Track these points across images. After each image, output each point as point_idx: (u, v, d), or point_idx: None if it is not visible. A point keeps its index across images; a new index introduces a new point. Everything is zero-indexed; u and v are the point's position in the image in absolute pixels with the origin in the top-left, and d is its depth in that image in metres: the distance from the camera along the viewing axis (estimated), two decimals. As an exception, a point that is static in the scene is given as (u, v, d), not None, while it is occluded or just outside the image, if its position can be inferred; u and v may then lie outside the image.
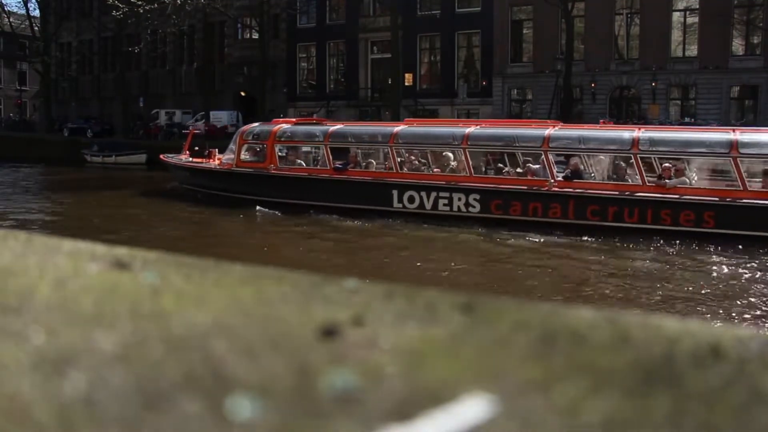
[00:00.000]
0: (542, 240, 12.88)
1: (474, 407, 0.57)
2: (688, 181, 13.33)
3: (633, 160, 13.42)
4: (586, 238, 12.92)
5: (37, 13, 51.99)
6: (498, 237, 13.18)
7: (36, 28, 50.41)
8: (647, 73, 31.05)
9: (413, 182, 14.98)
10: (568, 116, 31.11)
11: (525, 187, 14.01)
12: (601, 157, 14.24)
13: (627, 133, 14.23)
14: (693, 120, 29.27)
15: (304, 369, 0.64)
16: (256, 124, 19.37)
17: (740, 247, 11.88)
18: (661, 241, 12.56)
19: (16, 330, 0.74)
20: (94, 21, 48.47)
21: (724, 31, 29.91)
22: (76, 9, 51.39)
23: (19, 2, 61.98)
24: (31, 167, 33.06)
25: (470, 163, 14.66)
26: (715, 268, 11.20)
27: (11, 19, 51.20)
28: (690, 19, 31.35)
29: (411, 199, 14.86)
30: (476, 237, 13.27)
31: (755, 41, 30.80)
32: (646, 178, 13.25)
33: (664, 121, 29.10)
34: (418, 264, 11.48)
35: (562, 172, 13.99)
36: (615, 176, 13.89)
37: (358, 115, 35.73)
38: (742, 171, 12.74)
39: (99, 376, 0.62)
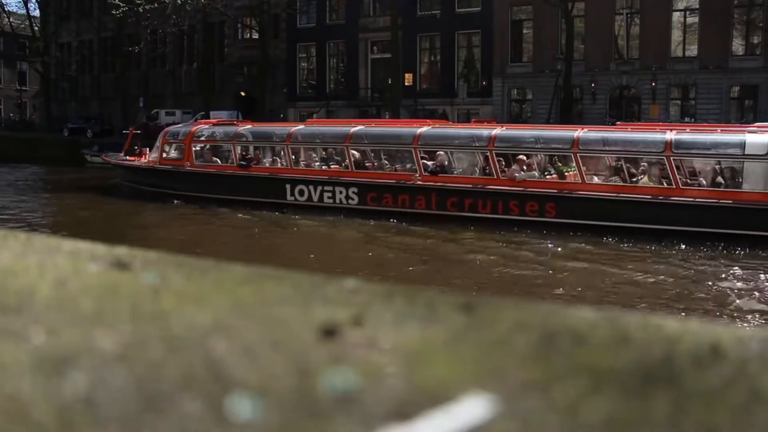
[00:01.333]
0: (409, 227, 14.31)
1: (474, 407, 0.57)
2: (536, 175, 14.61)
3: (490, 156, 14.71)
4: (454, 227, 14.17)
5: (37, 13, 52.06)
6: (372, 226, 14.65)
7: (36, 28, 50.42)
8: (647, 73, 31.05)
9: (303, 177, 16.41)
10: (568, 116, 31.14)
11: (394, 181, 15.42)
12: (461, 153, 15.73)
13: (486, 131, 15.48)
14: (693, 120, 29.26)
15: (304, 369, 0.64)
16: (180, 125, 21.61)
17: (578, 234, 13.19)
18: (515, 229, 13.85)
19: (16, 330, 0.74)
20: (94, 21, 48.48)
21: (724, 31, 29.91)
22: (76, 9, 51.40)
23: (19, 2, 62.07)
24: (31, 167, 33.07)
25: (352, 159, 16.06)
26: (544, 252, 12.40)
27: (11, 19, 51.22)
28: (690, 19, 31.35)
29: (301, 193, 16.34)
30: (352, 225, 14.79)
31: (755, 41, 30.79)
32: (500, 172, 14.60)
33: (665, 122, 29.12)
34: (295, 249, 13.17)
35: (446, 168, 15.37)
36: (473, 171, 15.33)
37: (358, 115, 35.73)
38: (581, 165, 14.00)
39: (99, 376, 0.62)
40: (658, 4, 30.93)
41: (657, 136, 14.05)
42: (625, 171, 14.10)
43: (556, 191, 14.12)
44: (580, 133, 14.51)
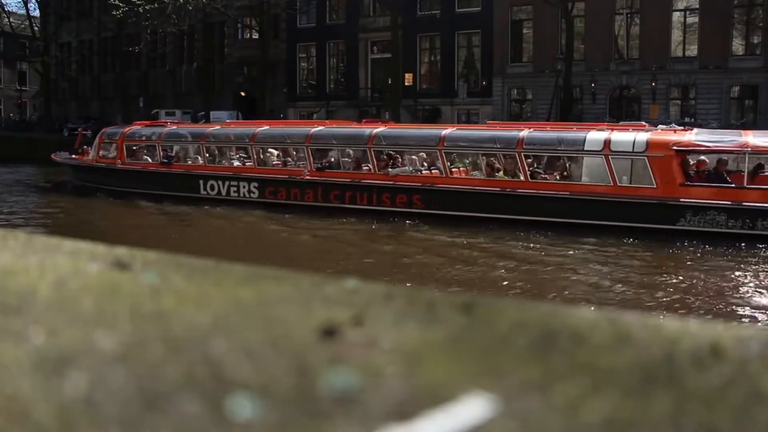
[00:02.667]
0: (300, 218, 15.51)
1: (474, 407, 0.57)
2: (408, 169, 15.99)
3: (368, 153, 16.14)
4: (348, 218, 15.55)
5: (37, 13, 52.04)
6: (264, 217, 15.93)
7: (36, 28, 50.42)
8: (647, 73, 31.04)
9: (213, 173, 17.98)
10: (568, 116, 31.15)
11: (287, 176, 16.90)
12: (347, 151, 17.04)
13: (367, 130, 16.92)
14: (693, 120, 29.27)
15: (304, 369, 0.64)
16: (115, 126, 23.46)
17: (442, 223, 14.31)
18: (394, 220, 15.15)
19: (16, 330, 0.74)
20: (94, 21, 48.48)
21: (724, 30, 29.90)
22: (76, 9, 51.42)
23: (19, 2, 62.05)
24: (31, 167, 33.05)
25: (255, 157, 17.67)
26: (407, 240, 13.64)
27: (11, 19, 51.22)
28: (690, 19, 31.35)
29: (212, 187, 17.84)
30: (249, 215, 16.26)
31: (755, 41, 30.79)
32: (378, 167, 15.98)
33: (665, 122, 29.11)
34: (204, 236, 14.81)
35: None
36: (354, 167, 16.62)
37: (358, 115, 35.74)
38: (445, 161, 15.38)
39: (99, 376, 0.62)
40: (658, 4, 30.92)
41: (511, 134, 15.36)
42: (487, 166, 15.44)
43: (420, 185, 15.39)
44: (446, 131, 16.08)
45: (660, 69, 30.92)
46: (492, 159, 15.39)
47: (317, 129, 17.47)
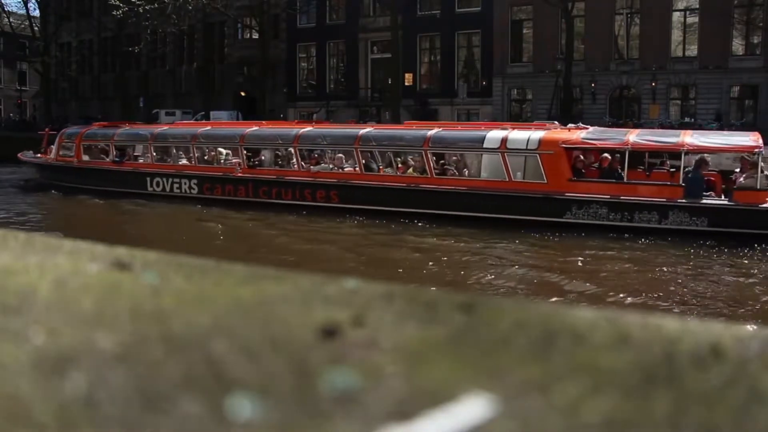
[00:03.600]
0: (231, 212, 16.78)
1: (474, 407, 0.57)
2: (329, 167, 17.09)
3: (294, 152, 17.31)
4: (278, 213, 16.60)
5: (37, 13, 52.00)
6: (205, 211, 17.12)
7: (36, 28, 50.38)
8: (647, 73, 31.04)
9: (158, 171, 19.22)
10: (568, 116, 31.13)
11: (221, 174, 18.05)
12: (276, 150, 18.25)
13: (293, 131, 18.18)
14: (693, 120, 29.27)
15: (304, 369, 0.64)
16: (75, 127, 24.86)
17: (356, 217, 15.51)
18: (304, 213, 16.23)
19: (16, 330, 0.74)
20: (94, 21, 48.48)
21: (724, 30, 29.90)
22: (76, 9, 51.41)
23: (19, 2, 62.01)
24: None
25: (195, 155, 18.80)
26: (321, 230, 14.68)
27: (11, 19, 51.19)
28: (690, 19, 31.34)
29: (158, 184, 19.06)
30: (186, 210, 17.49)
31: (755, 41, 30.79)
32: (302, 165, 17.22)
33: (664, 122, 29.12)
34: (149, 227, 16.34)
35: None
36: (281, 164, 17.81)
37: (358, 115, 35.74)
38: (361, 160, 16.47)
39: (99, 376, 0.62)
40: (658, 4, 30.92)
41: (419, 133, 16.36)
42: (402, 164, 16.54)
43: (337, 181, 16.53)
44: (362, 131, 17.20)
45: (660, 69, 30.92)
46: (404, 157, 16.55)
47: (250, 130, 18.72)
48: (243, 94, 41.97)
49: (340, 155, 17.00)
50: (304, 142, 17.41)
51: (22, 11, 52.06)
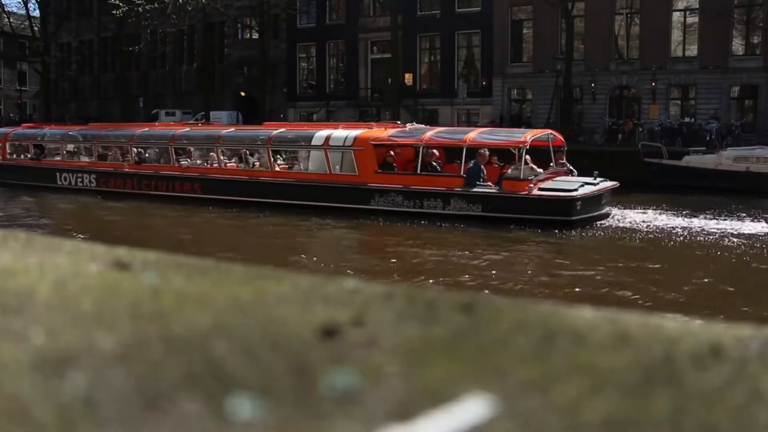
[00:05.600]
0: (115, 202, 19.09)
1: (474, 407, 0.57)
2: (197, 162, 19.53)
3: (169, 149, 19.73)
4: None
5: (37, 13, 51.99)
6: (101, 203, 19.36)
7: (36, 28, 50.37)
8: (647, 73, 31.03)
9: (65, 167, 21.50)
10: (568, 116, 31.14)
11: (112, 169, 20.54)
12: (158, 148, 20.48)
13: (170, 131, 20.70)
14: (693, 120, 29.25)
15: (304, 369, 0.64)
16: (3, 128, 27.53)
17: (218, 206, 17.67)
18: (199, 205, 17.97)
19: (16, 330, 0.74)
20: (94, 21, 48.45)
21: (724, 30, 29.88)
22: (76, 9, 51.37)
23: (19, 2, 61.94)
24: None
25: (97, 153, 21.31)
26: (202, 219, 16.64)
27: (11, 20, 51.18)
28: (690, 19, 31.32)
29: (65, 179, 21.32)
30: (92, 201, 19.69)
31: (755, 41, 30.77)
32: (175, 161, 19.57)
33: (664, 122, 29.11)
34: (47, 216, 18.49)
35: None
36: (160, 160, 20.18)
37: (358, 115, 35.73)
38: (220, 156, 18.85)
39: (99, 376, 0.62)
40: (658, 4, 30.90)
41: (263, 132, 18.82)
42: (252, 159, 18.80)
43: (198, 175, 18.86)
44: (222, 132, 19.80)
45: (660, 69, 30.90)
46: (254, 153, 18.90)
47: (140, 131, 21.35)
48: (243, 94, 41.95)
49: (204, 153, 19.59)
50: (178, 141, 19.88)
51: (22, 11, 52.11)
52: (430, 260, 12.20)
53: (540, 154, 16.50)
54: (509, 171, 15.46)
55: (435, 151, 16.37)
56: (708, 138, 26.28)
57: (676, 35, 31.63)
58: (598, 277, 10.68)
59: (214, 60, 44.03)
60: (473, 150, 15.88)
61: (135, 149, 20.51)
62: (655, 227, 14.89)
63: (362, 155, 16.39)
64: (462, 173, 15.55)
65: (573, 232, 14.21)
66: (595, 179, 15.49)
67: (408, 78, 36.23)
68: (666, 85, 31.10)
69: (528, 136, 15.82)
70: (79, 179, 21.08)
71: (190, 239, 14.39)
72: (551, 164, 16.40)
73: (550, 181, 15.22)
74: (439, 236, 14.06)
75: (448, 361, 0.67)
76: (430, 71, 37.37)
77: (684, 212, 16.73)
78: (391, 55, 32.94)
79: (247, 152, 18.97)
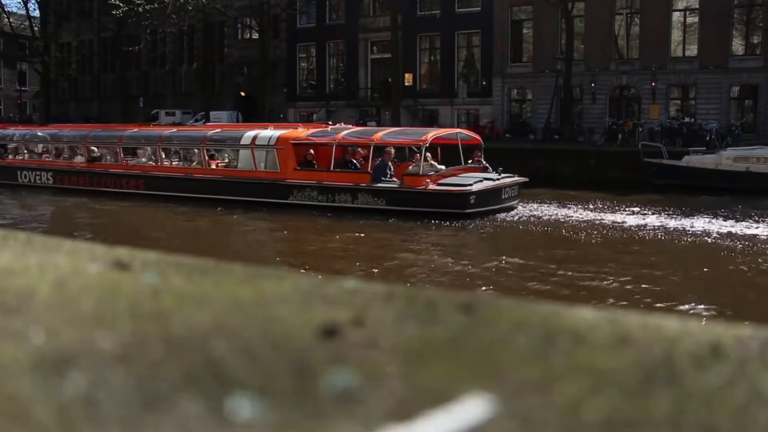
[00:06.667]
0: (71, 197, 20.38)
1: (474, 407, 0.57)
2: (143, 161, 20.94)
3: (118, 150, 21.06)
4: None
5: (37, 13, 52.02)
6: (59, 197, 20.65)
7: (36, 29, 50.38)
8: (647, 73, 31.03)
9: (24, 165, 23.23)
10: (568, 116, 31.14)
11: (67, 167, 22.01)
12: (109, 147, 21.72)
13: (119, 132, 22.22)
14: (693, 119, 29.26)
15: (304, 369, 0.64)
16: None
17: (160, 201, 18.71)
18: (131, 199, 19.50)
19: (16, 330, 0.74)
20: (94, 21, 48.46)
21: (724, 30, 29.89)
22: (75, 9, 51.37)
23: (19, 3, 61.96)
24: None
25: (54, 152, 22.95)
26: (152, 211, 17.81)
27: (11, 20, 51.18)
28: (690, 19, 31.32)
29: (25, 176, 22.88)
30: (49, 197, 21.08)
31: (755, 41, 30.77)
32: (123, 160, 21.11)
33: (664, 122, 29.10)
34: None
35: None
36: (111, 160, 21.48)
37: (358, 115, 35.74)
38: (161, 155, 20.20)
39: (99, 376, 0.62)
40: (658, 4, 30.91)
41: (198, 133, 20.66)
42: (190, 158, 20.16)
43: (140, 172, 20.26)
44: (164, 133, 21.26)
45: (660, 69, 30.91)
46: (192, 152, 20.22)
47: (94, 132, 22.97)
48: (243, 94, 41.96)
49: (149, 152, 20.90)
50: (126, 142, 21.26)
51: (22, 11, 52.12)
52: (328, 248, 13.35)
53: (450, 152, 17.96)
54: (410, 168, 16.83)
55: (360, 149, 17.37)
56: (708, 138, 26.29)
57: (676, 35, 31.63)
58: (476, 263, 11.88)
59: (214, 60, 44.03)
60: (381, 148, 17.07)
61: (88, 149, 21.98)
62: (555, 219, 15.93)
63: (283, 154, 17.71)
64: (369, 170, 16.67)
65: (469, 224, 15.26)
66: (499, 175, 16.68)
67: (408, 78, 36.23)
68: (666, 85, 31.11)
69: (429, 135, 16.93)
70: (38, 177, 22.59)
71: (116, 230, 15.80)
72: (467, 162, 17.78)
73: (452, 177, 16.35)
74: (346, 227, 15.09)
75: (448, 361, 0.67)
76: (430, 71, 37.37)
77: (656, 209, 17.20)
78: (391, 55, 32.95)
79: (186, 151, 20.49)
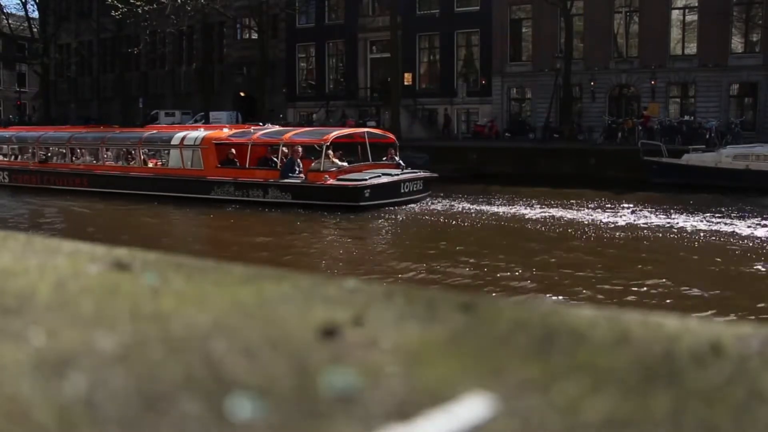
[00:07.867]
0: (24, 195, 21.73)
1: (474, 407, 0.57)
2: (88, 160, 22.40)
3: (67, 149, 22.72)
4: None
5: (36, 14, 52.02)
6: (18, 198, 21.62)
7: (35, 30, 50.37)
8: (646, 72, 31.03)
9: None
10: (567, 115, 31.13)
11: (20, 167, 23.57)
12: (59, 148, 23.36)
13: (67, 134, 23.83)
14: (693, 117, 29.26)
15: (304, 369, 0.64)
16: None
17: (103, 197, 20.17)
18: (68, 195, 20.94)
19: (16, 331, 0.74)
20: (93, 22, 48.43)
21: (723, 28, 29.88)
22: (75, 10, 51.35)
23: (19, 4, 61.87)
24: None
25: (10, 154, 24.50)
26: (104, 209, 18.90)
27: (10, 21, 51.17)
28: (689, 17, 31.32)
29: None
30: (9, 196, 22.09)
31: (754, 39, 30.77)
32: (71, 159, 22.74)
33: (664, 120, 29.11)
34: None
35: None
36: (60, 159, 23.02)
37: (357, 114, 35.74)
38: (104, 153, 21.92)
39: (99, 377, 0.62)
40: (657, 3, 30.90)
41: (135, 134, 22.45)
42: (128, 156, 21.60)
43: (85, 170, 21.80)
44: (107, 134, 23.09)
45: (659, 67, 30.90)
46: (130, 152, 21.65)
47: (44, 134, 24.38)
48: (242, 94, 41.94)
49: (94, 153, 22.33)
50: (74, 143, 22.71)
51: (22, 13, 52.08)
52: (245, 239, 14.46)
53: (359, 150, 19.50)
54: (312, 164, 18.08)
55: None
56: (707, 136, 26.29)
57: (676, 33, 31.62)
58: (363, 249, 13.44)
59: (214, 60, 44.02)
60: (289, 147, 18.57)
61: (40, 149, 23.48)
62: (455, 212, 17.13)
63: (206, 152, 19.22)
64: (279, 167, 18.16)
65: (366, 216, 16.54)
66: (402, 171, 18.12)
67: (407, 77, 36.23)
68: (665, 84, 31.10)
69: (331, 135, 18.39)
70: None
71: (58, 222, 17.36)
72: (382, 159, 19.15)
73: (354, 173, 17.67)
74: (258, 219, 16.56)
75: (448, 360, 0.67)
76: (430, 71, 37.37)
77: (634, 205, 17.71)
78: (391, 55, 32.93)
79: (125, 152, 21.90)
